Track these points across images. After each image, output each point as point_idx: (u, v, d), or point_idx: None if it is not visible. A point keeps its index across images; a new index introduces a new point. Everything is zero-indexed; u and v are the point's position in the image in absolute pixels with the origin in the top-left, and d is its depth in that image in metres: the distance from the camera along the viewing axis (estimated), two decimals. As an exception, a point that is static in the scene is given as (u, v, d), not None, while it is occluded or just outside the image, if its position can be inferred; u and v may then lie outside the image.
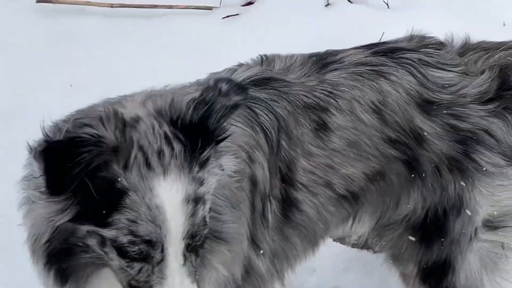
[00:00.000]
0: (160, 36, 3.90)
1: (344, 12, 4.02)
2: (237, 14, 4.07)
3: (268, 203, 2.40)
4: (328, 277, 3.16)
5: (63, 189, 1.79)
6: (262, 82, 2.39)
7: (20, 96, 3.22)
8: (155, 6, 4.16)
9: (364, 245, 3.01)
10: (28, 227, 2.04)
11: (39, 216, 1.98)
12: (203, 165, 1.88)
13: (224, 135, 1.96)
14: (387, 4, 3.99)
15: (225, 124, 1.94)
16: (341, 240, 3.18)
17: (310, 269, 3.09)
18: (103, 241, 1.85)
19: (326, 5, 4.12)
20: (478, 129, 2.43)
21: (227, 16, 4.05)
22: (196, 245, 1.89)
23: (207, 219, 1.92)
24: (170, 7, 4.18)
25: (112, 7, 4.11)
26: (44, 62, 3.43)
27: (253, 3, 4.20)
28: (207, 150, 1.90)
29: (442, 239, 2.52)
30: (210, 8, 4.16)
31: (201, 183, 1.86)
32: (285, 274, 2.62)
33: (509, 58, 2.54)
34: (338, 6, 4.09)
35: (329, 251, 3.07)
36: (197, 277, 1.96)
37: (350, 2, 4.16)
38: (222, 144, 1.99)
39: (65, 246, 1.97)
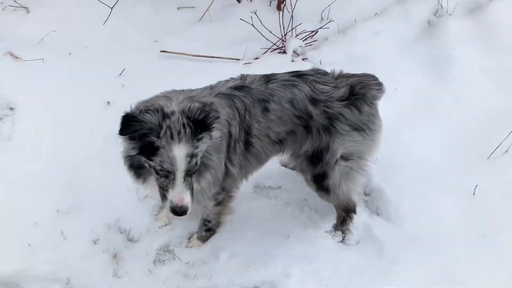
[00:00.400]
0: (211, 72, 4.23)
1: (302, 64, 4.54)
2: (250, 63, 4.64)
3: (238, 143, 3.00)
4: (276, 180, 3.88)
5: (124, 134, 2.55)
6: (239, 87, 3.00)
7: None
8: (208, 56, 4.64)
9: (293, 168, 3.57)
10: (122, 152, 2.84)
11: (124, 149, 2.77)
12: (199, 140, 2.56)
13: (212, 128, 2.61)
14: (320, 62, 4.57)
15: (213, 123, 2.60)
16: (285, 166, 3.81)
17: (266, 176, 3.84)
18: (149, 165, 2.62)
19: (292, 61, 4.66)
20: (337, 113, 3.08)
21: (245, 63, 4.63)
22: (190, 174, 2.61)
23: (198, 163, 2.60)
24: (218, 57, 4.65)
25: (194, 56, 4.62)
26: (159, 82, 3.56)
27: (258, 58, 4.70)
28: (203, 134, 2.57)
29: (321, 163, 3.19)
30: (238, 59, 4.66)
31: (196, 148, 2.54)
32: (248, 176, 3.31)
33: (357, 81, 3.11)
34: (296, 62, 4.65)
35: (278, 169, 3.86)
36: (190, 186, 2.61)
37: (303, 60, 4.69)
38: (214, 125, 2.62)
39: (136, 161, 2.73)
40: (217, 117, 2.60)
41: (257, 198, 3.80)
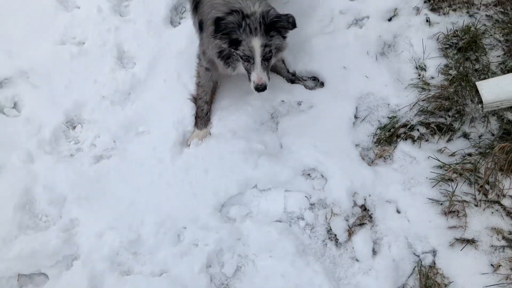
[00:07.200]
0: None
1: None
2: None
3: None
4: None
5: (217, 32, 3.22)
6: None
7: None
8: None
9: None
10: (214, 48, 3.44)
11: (215, 45, 3.39)
12: (271, 36, 3.27)
13: (283, 33, 3.32)
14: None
15: (285, 28, 3.28)
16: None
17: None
18: (236, 54, 3.34)
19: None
20: None
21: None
22: (266, 59, 3.32)
23: (272, 51, 3.33)
24: None
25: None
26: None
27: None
28: (274, 34, 3.27)
29: None
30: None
31: (270, 40, 3.27)
32: None
33: None
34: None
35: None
36: (267, 68, 3.35)
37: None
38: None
39: (226, 53, 3.41)
40: (289, 27, 3.27)
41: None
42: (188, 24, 4.29)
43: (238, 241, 3.37)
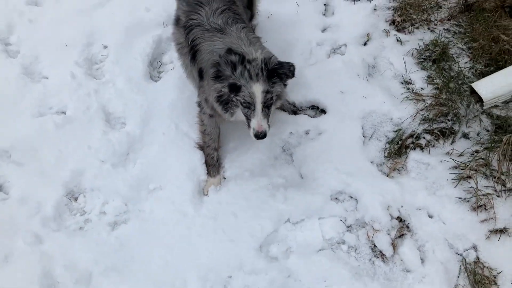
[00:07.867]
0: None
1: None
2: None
3: None
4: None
5: (216, 80, 3.16)
6: None
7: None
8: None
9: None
10: (213, 92, 3.29)
11: (215, 88, 3.25)
12: (274, 83, 3.17)
13: (284, 80, 3.25)
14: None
15: (286, 76, 3.20)
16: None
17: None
18: (236, 100, 3.19)
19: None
20: None
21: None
22: (267, 105, 3.18)
23: (273, 99, 3.20)
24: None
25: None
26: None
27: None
28: (276, 80, 3.17)
29: None
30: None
31: (271, 87, 3.15)
32: None
33: None
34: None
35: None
36: (267, 115, 3.20)
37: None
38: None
39: (226, 98, 3.26)
40: (290, 75, 3.22)
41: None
42: (171, 76, 4.29)
43: (288, 278, 3.24)
